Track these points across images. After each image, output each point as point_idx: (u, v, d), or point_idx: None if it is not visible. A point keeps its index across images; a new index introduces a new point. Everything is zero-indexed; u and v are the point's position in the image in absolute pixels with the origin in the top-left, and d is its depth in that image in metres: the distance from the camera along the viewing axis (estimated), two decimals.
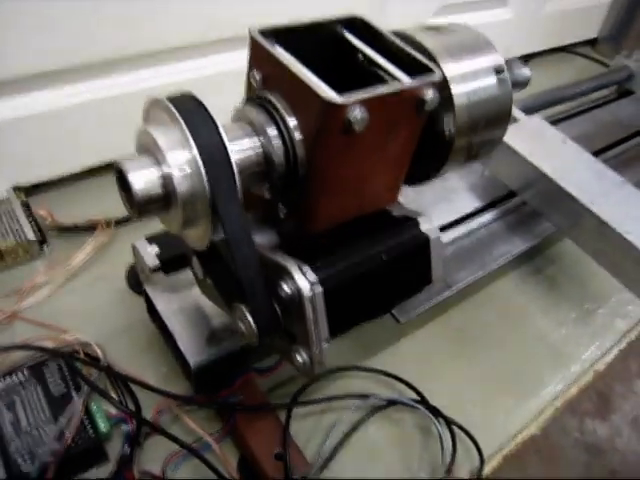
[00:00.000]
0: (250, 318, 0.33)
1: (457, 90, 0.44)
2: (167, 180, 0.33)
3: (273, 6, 0.71)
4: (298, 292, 0.33)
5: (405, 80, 0.36)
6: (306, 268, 0.33)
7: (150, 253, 0.51)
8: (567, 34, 1.33)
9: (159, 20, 0.66)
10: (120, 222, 0.68)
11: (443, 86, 0.43)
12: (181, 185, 0.32)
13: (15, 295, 0.58)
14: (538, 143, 0.69)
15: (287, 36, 0.38)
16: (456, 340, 0.64)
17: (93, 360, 0.52)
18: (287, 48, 0.37)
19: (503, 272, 0.73)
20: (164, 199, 0.33)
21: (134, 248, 0.53)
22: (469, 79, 0.45)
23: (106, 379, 0.52)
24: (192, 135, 0.32)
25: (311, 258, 0.35)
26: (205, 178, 0.32)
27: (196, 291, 0.48)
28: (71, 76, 0.64)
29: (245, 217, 0.33)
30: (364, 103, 0.33)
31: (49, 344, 0.52)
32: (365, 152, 0.36)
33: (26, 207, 0.65)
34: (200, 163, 0.32)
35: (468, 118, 0.45)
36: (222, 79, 0.69)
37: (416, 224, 0.39)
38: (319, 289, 0.33)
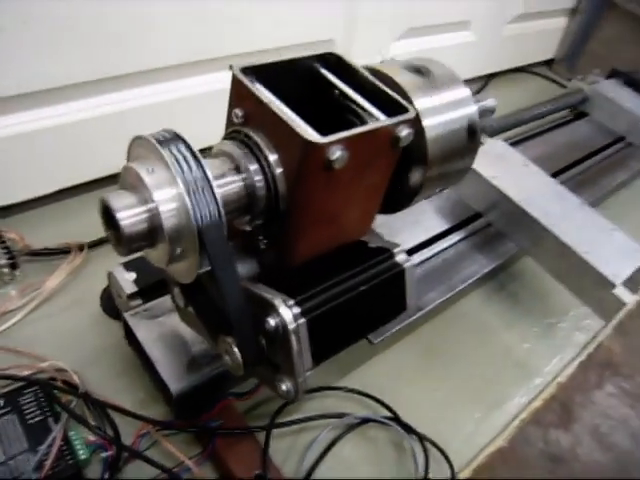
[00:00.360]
0: (236, 350, 0.34)
1: (428, 122, 0.46)
2: (154, 217, 0.34)
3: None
4: (283, 325, 0.34)
5: (381, 118, 0.38)
6: (290, 301, 0.35)
7: (127, 280, 0.52)
8: (525, 55, 1.39)
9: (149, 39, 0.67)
10: (93, 245, 0.68)
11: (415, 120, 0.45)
12: (168, 221, 0.33)
13: None
14: (501, 166, 0.72)
15: (267, 73, 0.39)
16: (426, 357, 0.67)
17: (70, 387, 0.52)
18: (267, 85, 0.39)
19: (469, 290, 0.76)
20: (151, 236, 0.34)
21: (110, 275, 0.53)
22: (439, 112, 0.47)
23: (84, 406, 0.52)
24: (177, 173, 0.33)
25: (293, 290, 0.36)
26: (192, 213, 0.33)
27: (175, 318, 0.49)
28: (47, 98, 0.64)
29: (230, 251, 0.34)
30: (344, 142, 0.34)
31: (24, 372, 0.52)
32: (344, 186, 0.38)
33: None
34: (187, 199, 0.33)
35: (439, 150, 0.48)
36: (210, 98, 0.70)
37: (391, 256, 0.41)
38: (302, 321, 0.35)
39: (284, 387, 0.36)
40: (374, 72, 0.45)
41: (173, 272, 0.37)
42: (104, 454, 0.49)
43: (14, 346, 0.56)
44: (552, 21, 1.38)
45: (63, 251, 0.66)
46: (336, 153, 0.34)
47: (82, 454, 0.47)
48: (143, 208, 0.34)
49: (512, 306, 0.76)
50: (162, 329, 0.50)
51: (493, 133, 0.87)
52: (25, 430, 0.48)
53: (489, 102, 0.57)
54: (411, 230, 0.68)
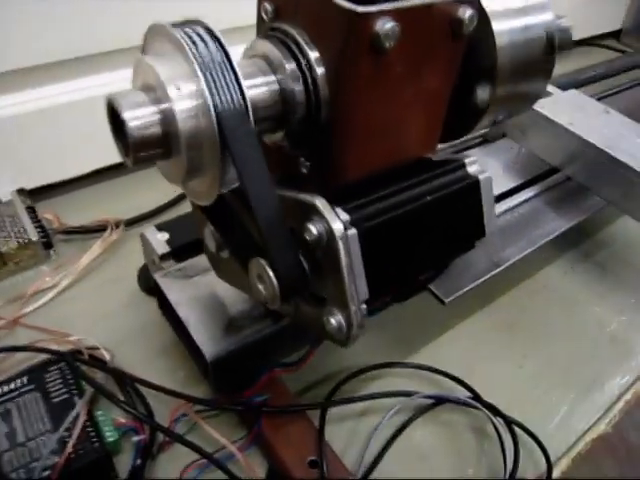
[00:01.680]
0: (270, 272, 0.27)
1: (499, 27, 0.38)
2: (168, 118, 0.28)
3: None
4: (329, 233, 0.27)
5: None
6: (338, 207, 0.28)
7: (160, 240, 0.46)
8: (590, 26, 1.28)
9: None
10: (131, 223, 0.63)
11: (483, 21, 0.37)
12: (185, 123, 0.27)
13: (18, 300, 0.54)
14: (579, 114, 0.63)
15: None
16: (505, 331, 0.57)
17: (100, 363, 0.46)
18: None
19: (549, 259, 0.66)
20: (164, 142, 0.28)
21: (142, 237, 0.48)
22: (512, 16, 0.39)
23: (114, 384, 0.47)
24: (199, 66, 0.27)
25: (343, 199, 0.29)
26: (214, 115, 0.27)
27: (211, 277, 0.43)
28: (80, 68, 0.61)
29: (262, 158, 0.27)
30: (393, 14, 0.28)
31: (51, 346, 0.47)
32: (398, 81, 0.31)
33: (31, 210, 0.61)
34: (209, 98, 0.27)
35: (510, 62, 0.40)
36: None
37: (462, 165, 0.33)
38: (353, 231, 0.27)
39: (333, 321, 0.29)
40: None
41: (192, 191, 0.31)
42: (135, 438, 0.43)
43: (46, 325, 0.51)
44: None
45: (99, 229, 0.62)
46: (386, 27, 0.27)
47: (110, 436, 0.41)
48: (155, 108, 0.28)
49: (601, 276, 0.66)
50: (196, 290, 0.44)
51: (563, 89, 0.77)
52: (49, 409, 0.42)
53: (564, 21, 0.49)
54: None
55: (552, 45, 0.44)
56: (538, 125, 0.63)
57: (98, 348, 0.48)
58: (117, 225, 0.62)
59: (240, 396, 0.43)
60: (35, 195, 0.65)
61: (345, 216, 0.28)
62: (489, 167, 0.64)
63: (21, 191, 0.63)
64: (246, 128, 0.26)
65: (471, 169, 0.34)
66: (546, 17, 0.44)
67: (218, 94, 0.26)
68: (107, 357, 0.47)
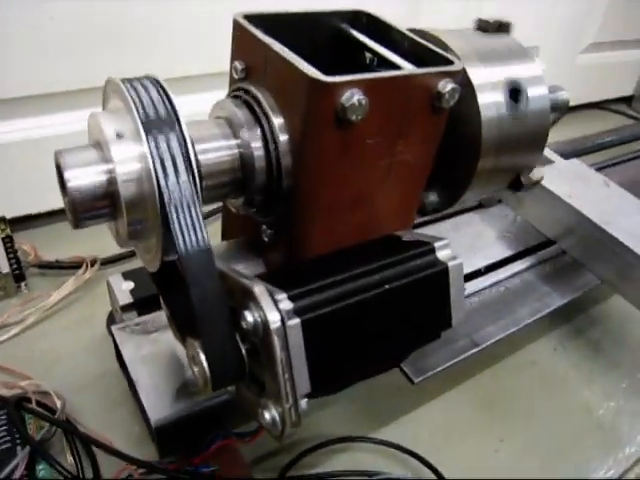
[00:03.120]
0: (202, 356, 0.25)
1: (485, 100, 0.37)
2: (112, 179, 0.26)
3: None
4: (264, 323, 0.25)
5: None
6: (280, 294, 0.26)
7: (123, 290, 0.44)
8: (601, 90, 1.27)
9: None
10: (107, 262, 0.62)
11: (468, 93, 0.36)
12: (126, 187, 0.26)
13: None
14: (579, 185, 0.61)
15: (276, 27, 0.32)
16: (484, 410, 0.54)
17: (49, 411, 0.44)
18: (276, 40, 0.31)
19: (539, 333, 0.63)
20: (108, 203, 0.27)
21: (108, 284, 0.46)
22: (501, 88, 0.38)
23: (62, 435, 0.44)
24: (144, 125, 0.25)
25: (291, 284, 0.27)
26: (155, 180, 0.25)
27: (172, 335, 0.40)
28: (68, 101, 0.60)
29: (205, 230, 0.26)
30: (363, 85, 0.26)
31: (1, 390, 0.45)
32: (367, 154, 0.29)
33: (9, 240, 0.60)
34: (150, 161, 0.25)
35: (497, 135, 0.38)
36: None
37: (431, 250, 0.31)
38: (295, 321, 0.25)
39: (267, 416, 0.26)
40: (421, 35, 0.37)
41: (140, 256, 0.29)
42: None
43: (2, 362, 0.49)
44: (631, 52, 1.26)
45: (74, 266, 0.60)
46: (353, 98, 0.26)
47: None
48: (101, 167, 0.26)
49: (593, 356, 0.62)
50: (154, 347, 0.41)
51: (565, 156, 0.76)
52: None
53: (562, 94, 0.47)
54: (466, 255, 0.57)
55: (545, 120, 0.43)
56: (535, 194, 0.61)
57: (48, 393, 0.46)
58: (93, 263, 0.60)
59: (189, 463, 0.41)
60: (15, 224, 0.64)
61: (288, 305, 0.26)
62: (482, 234, 0.62)
63: (1, 219, 0.62)
64: (188, 200, 0.24)
65: (441, 254, 0.31)
66: (540, 91, 0.42)
67: (162, 160, 0.25)
68: (58, 405, 0.45)
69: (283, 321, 0.25)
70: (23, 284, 0.58)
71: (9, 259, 0.57)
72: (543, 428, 0.54)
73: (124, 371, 0.43)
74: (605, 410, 0.57)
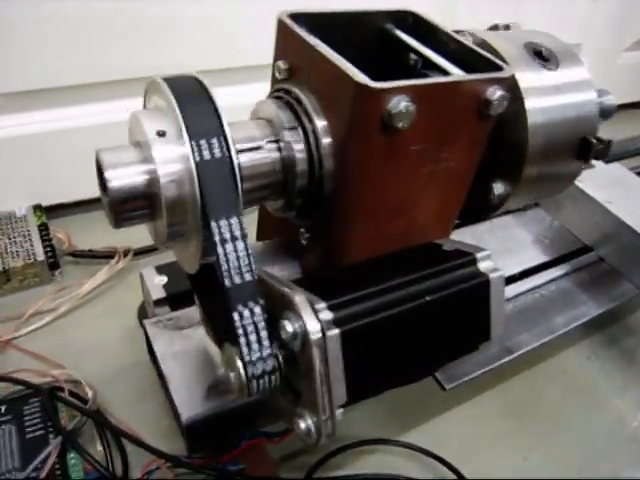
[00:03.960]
0: (239, 362, 0.25)
1: (532, 104, 0.36)
2: (152, 180, 0.26)
3: None
4: (304, 334, 0.24)
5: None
6: (320, 304, 0.25)
7: (156, 284, 0.44)
8: None
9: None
10: (142, 252, 0.62)
11: (515, 97, 0.35)
12: (167, 188, 0.25)
13: (16, 320, 0.53)
14: (619, 191, 0.59)
15: (320, 26, 0.31)
16: (514, 416, 0.53)
17: (80, 401, 0.44)
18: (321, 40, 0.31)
19: (572, 341, 0.62)
20: (148, 204, 0.26)
21: (141, 276, 0.46)
22: (548, 93, 0.37)
23: (92, 425, 0.45)
24: (187, 127, 0.25)
25: (331, 293, 0.27)
26: (197, 182, 0.25)
27: (204, 332, 0.41)
28: (104, 92, 0.61)
29: (244, 234, 0.25)
30: (409, 92, 0.25)
31: (34, 378, 0.46)
32: (412, 161, 0.29)
33: (44, 228, 0.61)
34: (192, 163, 0.25)
35: (543, 141, 0.37)
36: None
37: (473, 261, 0.31)
38: (335, 332, 0.25)
39: (302, 425, 0.26)
40: (465, 36, 0.36)
41: (178, 258, 0.29)
42: None
43: (37, 350, 0.50)
44: None
45: (108, 255, 0.61)
46: (400, 104, 0.25)
47: None
48: (141, 167, 0.26)
49: (627, 366, 0.61)
50: (186, 344, 0.42)
51: (606, 160, 0.74)
52: (21, 444, 0.41)
53: (609, 99, 0.46)
54: (503, 259, 0.56)
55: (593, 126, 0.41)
56: (574, 199, 0.59)
57: (81, 383, 0.46)
58: (126, 253, 0.60)
59: (217, 459, 0.41)
60: (51, 212, 0.65)
61: (328, 315, 0.25)
62: (517, 238, 0.60)
63: (37, 207, 0.63)
64: (232, 207, 0.24)
65: (482, 265, 0.31)
66: (588, 96, 0.41)
67: (203, 160, 0.24)
68: (89, 395, 0.46)
69: (323, 332, 0.24)
70: (57, 272, 0.59)
71: (44, 247, 0.58)
72: (573, 438, 0.53)
73: (155, 365, 0.44)
74: (639, 422, 0.56)
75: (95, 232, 0.64)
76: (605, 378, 0.59)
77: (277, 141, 0.29)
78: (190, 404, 0.38)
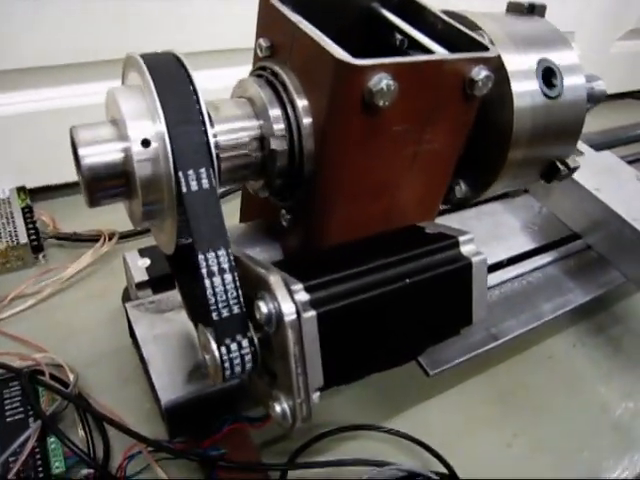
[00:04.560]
0: (214, 345, 0.25)
1: (519, 88, 0.35)
2: (127, 158, 0.25)
3: None
4: (278, 315, 0.24)
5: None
6: (297, 285, 0.25)
7: (139, 266, 0.44)
8: (637, 79, 1.23)
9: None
10: (125, 236, 0.62)
11: (501, 80, 0.34)
12: (142, 167, 0.25)
13: None
14: (608, 179, 0.59)
15: (304, 3, 0.30)
16: (499, 403, 0.53)
17: (62, 385, 0.44)
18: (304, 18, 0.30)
19: (558, 328, 0.62)
20: (124, 182, 0.26)
21: (124, 259, 0.46)
22: (535, 76, 0.36)
23: (74, 410, 0.44)
24: (162, 104, 0.24)
25: (309, 274, 0.26)
26: (171, 161, 0.24)
27: (186, 315, 0.40)
28: (91, 72, 0.60)
29: (220, 215, 0.25)
30: (391, 70, 0.25)
31: (15, 361, 0.45)
32: (394, 141, 0.28)
33: (28, 210, 0.60)
34: (167, 141, 0.24)
35: (530, 124, 0.37)
36: None
37: (455, 244, 0.30)
38: (311, 314, 0.24)
39: (278, 408, 0.26)
40: (455, 17, 0.35)
41: (156, 238, 0.28)
42: (85, 471, 0.40)
43: (18, 334, 0.49)
44: None
45: (93, 239, 0.60)
46: (381, 82, 0.25)
47: (57, 467, 0.39)
48: (113, 144, 0.25)
49: (613, 354, 0.61)
50: (167, 327, 0.41)
51: (596, 148, 0.73)
52: (1, 428, 0.40)
53: (599, 84, 0.45)
54: (488, 246, 0.56)
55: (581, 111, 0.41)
56: (563, 186, 0.59)
57: (61, 366, 0.46)
58: (111, 237, 0.60)
59: (198, 444, 0.41)
60: (36, 194, 0.64)
61: (304, 296, 0.25)
62: (505, 225, 0.60)
63: (21, 189, 0.62)
64: (207, 187, 0.24)
65: (465, 249, 0.30)
66: (577, 80, 0.41)
67: (178, 139, 0.24)
68: (71, 379, 0.45)
69: (298, 313, 0.24)
70: (41, 255, 0.58)
71: (28, 229, 0.57)
72: (558, 425, 0.53)
73: (137, 348, 0.43)
74: (622, 410, 0.56)
75: (80, 215, 0.63)
76: (591, 365, 0.59)
77: (258, 120, 0.29)
78: (170, 388, 0.38)
